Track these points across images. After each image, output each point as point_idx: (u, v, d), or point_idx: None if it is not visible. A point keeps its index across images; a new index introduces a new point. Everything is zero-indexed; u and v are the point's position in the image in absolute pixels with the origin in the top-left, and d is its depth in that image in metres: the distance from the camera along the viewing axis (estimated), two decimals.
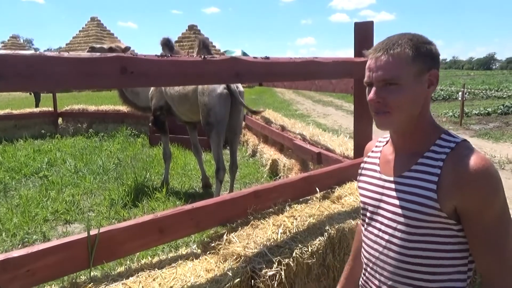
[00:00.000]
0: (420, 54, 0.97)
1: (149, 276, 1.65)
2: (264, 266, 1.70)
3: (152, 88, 4.72)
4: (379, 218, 1.07)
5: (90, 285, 1.57)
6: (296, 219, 2.10)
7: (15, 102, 14.75)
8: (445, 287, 0.98)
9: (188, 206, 1.94)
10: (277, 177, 5.13)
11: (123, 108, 8.31)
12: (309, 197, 2.50)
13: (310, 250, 1.88)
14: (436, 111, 13.22)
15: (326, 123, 11.46)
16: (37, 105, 13.79)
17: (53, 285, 1.78)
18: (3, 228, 3.72)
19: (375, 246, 1.07)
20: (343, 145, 3.97)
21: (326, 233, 2.00)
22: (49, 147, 7.61)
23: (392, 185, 1.05)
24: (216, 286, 1.58)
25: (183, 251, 1.97)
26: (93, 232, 1.61)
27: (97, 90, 25.14)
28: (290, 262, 1.77)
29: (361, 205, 1.16)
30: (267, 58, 2.02)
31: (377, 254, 1.06)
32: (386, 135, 1.16)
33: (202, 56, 1.75)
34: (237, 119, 4.21)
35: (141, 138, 8.16)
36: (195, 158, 5.36)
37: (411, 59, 0.96)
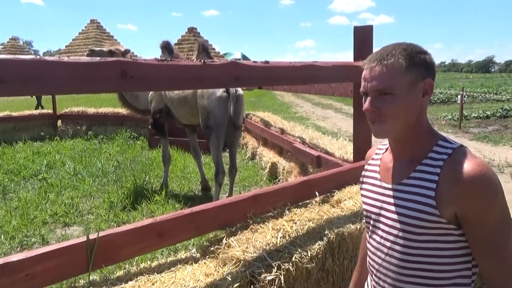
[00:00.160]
0: (414, 64, 0.98)
1: (148, 280, 1.65)
2: (263, 270, 1.70)
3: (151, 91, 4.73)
4: (381, 226, 1.08)
5: None
6: (295, 223, 2.09)
7: (14, 104, 14.76)
8: None
9: (188, 210, 1.94)
10: (277, 180, 5.13)
11: (123, 111, 8.33)
12: (308, 201, 2.50)
13: (309, 255, 1.87)
14: (435, 114, 13.25)
15: (325, 126, 11.47)
16: (38, 107, 13.79)
17: None
18: (2, 231, 3.72)
19: (378, 253, 1.09)
20: (343, 149, 3.97)
21: (325, 238, 2.00)
22: (48, 149, 7.61)
23: (392, 193, 1.06)
24: None
25: (182, 255, 1.96)
26: (92, 236, 1.61)
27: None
28: (290, 267, 1.77)
29: (364, 213, 1.18)
30: (266, 62, 2.03)
31: (379, 261, 1.08)
32: (386, 142, 1.17)
33: (202, 61, 1.75)
34: (236, 122, 4.21)
35: (141, 141, 8.16)
36: (194, 161, 5.36)
37: (405, 69, 0.98)
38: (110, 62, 1.48)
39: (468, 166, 0.93)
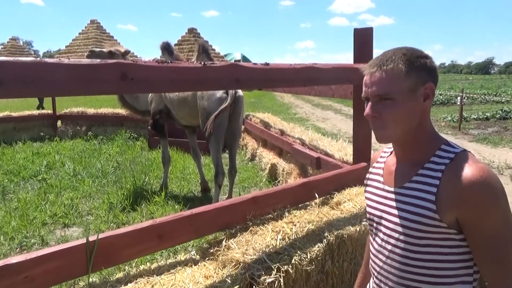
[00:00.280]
0: (414, 68, 0.99)
1: (147, 282, 1.65)
2: (263, 273, 1.70)
3: None
4: (383, 229, 1.09)
5: None
6: (295, 225, 2.10)
7: (14, 105, 14.73)
8: None
9: (187, 212, 1.94)
10: (276, 181, 5.13)
11: (122, 111, 8.31)
12: (308, 203, 2.50)
13: (309, 257, 1.88)
14: (435, 115, 13.25)
15: (325, 127, 11.47)
16: (40, 107, 13.78)
17: None
18: (1, 232, 3.71)
19: (379, 256, 1.09)
20: (342, 150, 3.97)
21: (325, 240, 2.00)
22: (48, 150, 7.60)
23: (394, 196, 1.07)
24: None
25: (181, 257, 1.96)
26: (92, 238, 1.61)
27: None
28: (289, 269, 1.77)
29: (368, 215, 1.19)
30: (267, 64, 2.03)
31: (381, 264, 1.09)
32: (391, 145, 1.18)
33: (202, 63, 1.75)
34: (236, 123, 4.22)
35: (140, 142, 8.15)
36: (194, 162, 5.36)
37: (404, 74, 0.98)
38: (111, 64, 1.48)
39: (468, 171, 0.93)
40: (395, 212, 1.04)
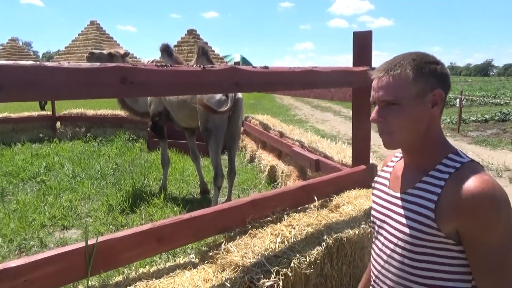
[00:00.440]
0: (422, 74, 0.97)
1: (146, 285, 1.65)
2: (262, 276, 1.70)
3: None
4: (384, 233, 1.09)
5: None
6: (294, 228, 2.10)
7: (13, 106, 14.71)
8: None
9: (187, 215, 1.94)
10: (275, 183, 5.14)
11: (122, 113, 8.31)
12: (307, 205, 2.50)
13: (308, 260, 1.88)
14: None
15: (324, 128, 11.48)
16: (42, 107, 13.77)
17: None
18: (0, 234, 3.70)
19: (378, 259, 1.10)
20: (341, 152, 3.98)
21: (324, 243, 2.01)
22: (47, 151, 7.59)
23: (397, 201, 1.06)
24: None
25: (181, 260, 1.96)
26: (91, 241, 1.61)
27: None
28: (288, 272, 1.77)
29: (371, 217, 1.19)
30: (266, 67, 2.04)
31: (379, 267, 1.09)
32: None
33: (202, 66, 1.76)
34: (235, 125, 4.22)
35: (140, 143, 8.15)
36: (193, 164, 5.36)
37: (412, 80, 0.97)
38: (110, 68, 1.49)
39: (471, 182, 0.90)
40: (396, 217, 1.04)
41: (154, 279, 1.71)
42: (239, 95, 4.14)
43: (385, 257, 1.07)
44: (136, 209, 4.31)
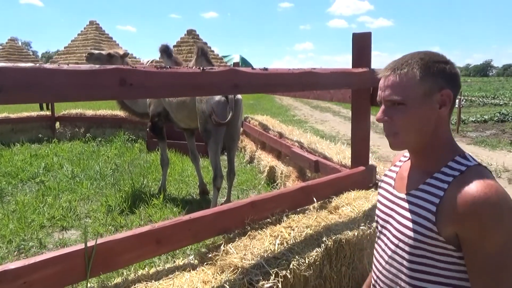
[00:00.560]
0: (429, 73, 0.95)
1: (146, 287, 1.65)
2: (261, 278, 1.70)
3: None
4: (386, 233, 1.09)
5: None
6: (293, 229, 2.10)
7: (12, 106, 14.69)
8: None
9: (186, 217, 1.94)
10: (275, 184, 5.14)
11: (121, 113, 8.30)
12: (306, 207, 2.50)
13: (307, 262, 1.88)
14: None
15: (323, 129, 11.48)
16: (42, 108, 13.76)
17: None
18: None
19: (380, 260, 1.10)
20: (341, 153, 3.98)
21: (323, 244, 2.01)
22: (46, 151, 7.58)
23: (401, 202, 1.06)
24: None
25: (180, 261, 1.96)
26: (90, 243, 1.61)
27: None
28: (287, 274, 1.77)
29: (375, 217, 1.19)
30: (265, 69, 2.04)
31: (380, 268, 1.09)
32: None
33: (201, 68, 1.76)
34: (235, 126, 4.22)
35: (139, 144, 8.15)
36: (192, 165, 5.36)
37: (419, 79, 0.95)
38: (110, 69, 1.49)
39: (474, 186, 0.88)
40: (399, 218, 1.04)
41: (153, 280, 1.71)
42: (239, 96, 4.14)
43: (386, 258, 1.06)
44: (135, 209, 4.31)
